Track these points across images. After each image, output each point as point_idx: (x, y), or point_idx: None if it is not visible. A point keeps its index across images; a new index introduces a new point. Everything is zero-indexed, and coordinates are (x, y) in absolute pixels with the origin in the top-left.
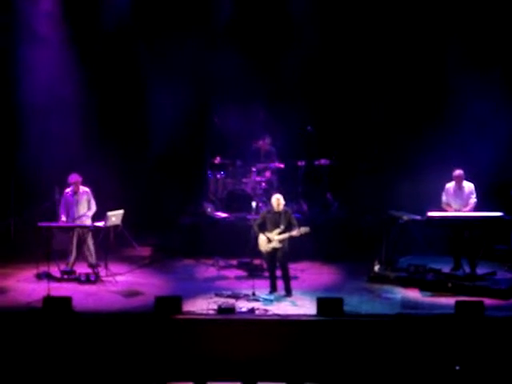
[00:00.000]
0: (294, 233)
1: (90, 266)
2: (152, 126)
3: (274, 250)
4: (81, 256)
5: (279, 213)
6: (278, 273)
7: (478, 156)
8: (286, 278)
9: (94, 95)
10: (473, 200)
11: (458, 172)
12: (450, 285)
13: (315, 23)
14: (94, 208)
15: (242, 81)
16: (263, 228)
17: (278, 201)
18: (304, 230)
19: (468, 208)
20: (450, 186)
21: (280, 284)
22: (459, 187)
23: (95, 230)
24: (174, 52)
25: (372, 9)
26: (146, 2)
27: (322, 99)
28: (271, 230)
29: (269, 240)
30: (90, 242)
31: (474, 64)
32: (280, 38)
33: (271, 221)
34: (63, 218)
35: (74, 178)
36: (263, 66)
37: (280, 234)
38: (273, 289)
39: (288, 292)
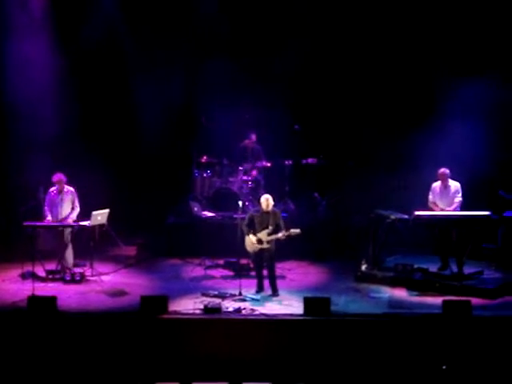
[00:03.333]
0: (280, 235)
1: (66, 268)
2: (138, 125)
3: (261, 250)
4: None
5: (268, 213)
6: (265, 272)
7: (466, 155)
8: (273, 278)
9: (79, 94)
10: (458, 199)
11: (442, 170)
12: (437, 284)
13: (302, 24)
14: (77, 209)
15: (229, 80)
16: (251, 228)
17: (266, 201)
18: (294, 231)
19: (452, 207)
20: (436, 185)
21: (267, 284)
22: (445, 186)
23: (81, 230)
24: (161, 51)
25: (359, 10)
26: (135, 3)
27: (310, 98)
28: (259, 231)
29: (258, 241)
30: (70, 243)
31: (463, 64)
32: (267, 37)
33: (259, 221)
34: (49, 217)
35: (58, 177)
36: (250, 65)
37: (269, 234)
38: (259, 288)
39: (274, 291)
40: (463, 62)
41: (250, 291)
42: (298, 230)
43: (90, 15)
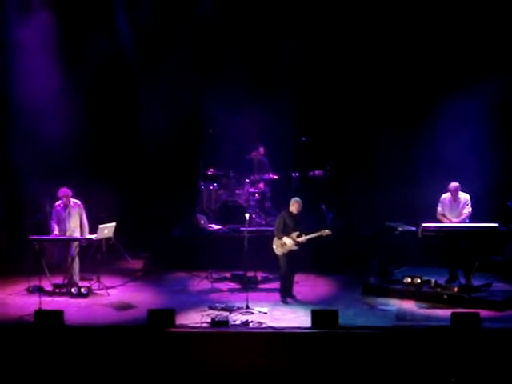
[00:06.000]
0: (324, 233)
1: (73, 282)
2: (145, 137)
3: (291, 251)
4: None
5: (296, 215)
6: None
7: (474, 167)
8: (292, 279)
9: (86, 106)
10: (466, 210)
11: (454, 185)
12: (445, 296)
13: (308, 33)
14: (86, 224)
15: (236, 92)
16: (285, 230)
17: (297, 203)
18: (326, 232)
19: (460, 218)
20: (446, 196)
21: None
22: (455, 199)
23: (87, 243)
24: (168, 63)
25: (362, 19)
26: (138, 13)
27: (317, 110)
28: (291, 233)
29: (291, 242)
30: (76, 257)
31: (468, 72)
32: (273, 48)
33: (290, 222)
34: (55, 232)
35: (64, 191)
36: (257, 76)
37: (298, 236)
38: (285, 298)
39: (292, 295)
40: (468, 70)
41: (257, 304)
42: (328, 231)
43: (97, 28)
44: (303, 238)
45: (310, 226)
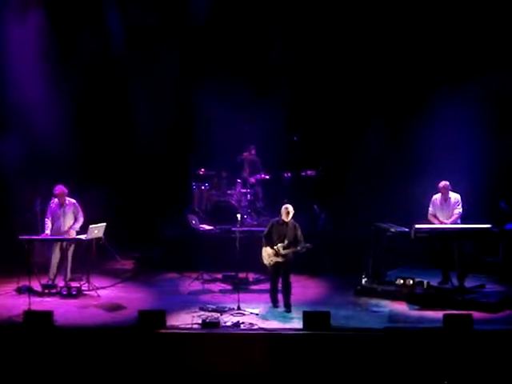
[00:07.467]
0: (299, 248)
1: (68, 280)
2: (137, 137)
3: (277, 263)
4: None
5: (286, 224)
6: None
7: (467, 167)
8: (287, 292)
9: (76, 105)
10: (457, 211)
11: (443, 183)
12: (438, 299)
13: (300, 33)
14: (81, 220)
15: (229, 91)
16: (270, 239)
17: (286, 210)
18: (306, 246)
19: (451, 219)
20: (437, 197)
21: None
22: (445, 199)
23: (77, 243)
24: (158, 61)
25: (354, 21)
26: (130, 11)
27: (309, 109)
28: (276, 242)
29: (274, 253)
30: (70, 256)
31: (458, 69)
32: (266, 47)
33: (277, 232)
34: (47, 231)
35: (60, 189)
36: (249, 76)
37: (284, 248)
38: (274, 304)
39: (287, 307)
40: (458, 67)
41: (248, 305)
42: (308, 245)
43: (88, 26)
44: (282, 251)
45: (303, 226)
